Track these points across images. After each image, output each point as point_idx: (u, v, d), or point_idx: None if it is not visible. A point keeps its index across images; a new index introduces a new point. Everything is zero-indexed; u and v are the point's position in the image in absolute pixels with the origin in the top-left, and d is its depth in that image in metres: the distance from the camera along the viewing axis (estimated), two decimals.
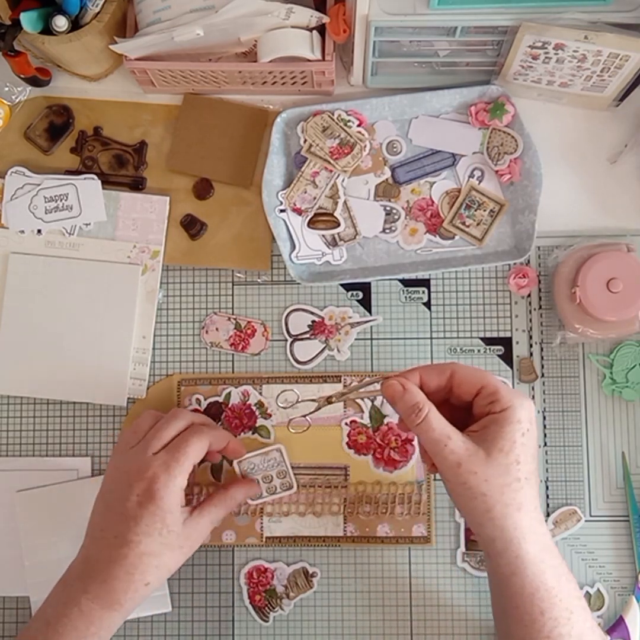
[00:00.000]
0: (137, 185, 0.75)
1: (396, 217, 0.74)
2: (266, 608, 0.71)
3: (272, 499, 0.72)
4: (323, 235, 0.74)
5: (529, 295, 0.73)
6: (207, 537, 0.66)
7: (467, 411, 0.60)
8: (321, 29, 0.68)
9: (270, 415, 0.73)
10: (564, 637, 0.57)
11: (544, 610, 0.57)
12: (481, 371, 0.60)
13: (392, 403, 0.59)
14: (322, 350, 0.73)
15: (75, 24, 0.67)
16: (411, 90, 0.72)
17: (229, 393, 0.73)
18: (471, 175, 0.74)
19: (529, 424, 0.57)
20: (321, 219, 0.73)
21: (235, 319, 0.74)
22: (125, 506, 0.60)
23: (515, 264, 0.73)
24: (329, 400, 0.66)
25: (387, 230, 0.74)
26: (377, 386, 0.61)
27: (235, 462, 0.71)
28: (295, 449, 0.72)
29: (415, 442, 0.72)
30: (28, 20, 0.65)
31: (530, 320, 0.73)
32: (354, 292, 0.74)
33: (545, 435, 0.72)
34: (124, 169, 0.75)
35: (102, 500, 0.63)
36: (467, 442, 0.56)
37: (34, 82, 0.73)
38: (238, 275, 0.74)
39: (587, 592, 0.71)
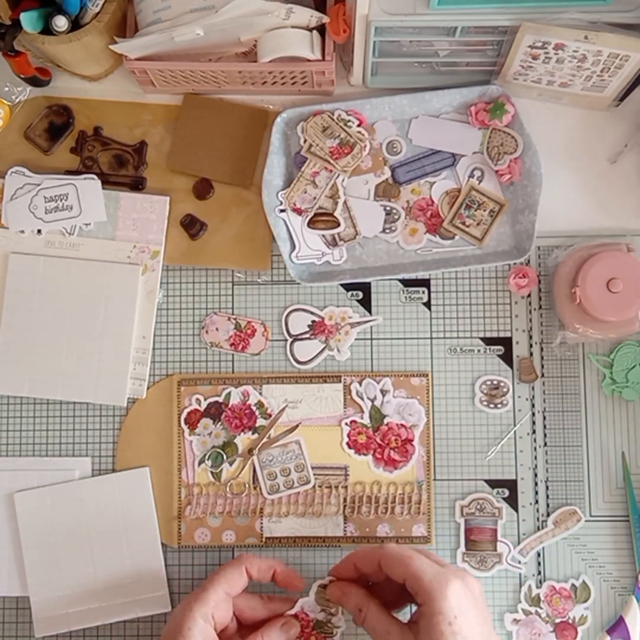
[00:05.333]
0: (137, 185, 0.75)
1: (396, 217, 0.74)
2: None
3: (289, 494, 0.72)
4: (323, 235, 0.74)
5: (529, 295, 0.73)
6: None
7: None
8: (321, 29, 0.68)
9: (270, 415, 0.73)
10: None
11: None
12: (405, 559, 0.60)
13: (339, 605, 0.65)
14: (322, 350, 0.73)
15: (75, 24, 0.67)
16: (411, 90, 0.72)
17: (229, 393, 0.73)
18: (471, 175, 0.74)
19: (455, 610, 0.57)
20: (321, 219, 0.73)
21: (235, 319, 0.74)
22: None
23: (515, 264, 0.73)
24: (251, 452, 0.72)
25: (387, 230, 0.74)
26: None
27: (255, 456, 0.72)
28: None
29: (415, 443, 0.72)
30: (28, 20, 0.65)
31: (530, 320, 0.73)
32: (354, 292, 0.74)
33: (545, 435, 0.72)
34: (124, 169, 0.75)
35: None
36: (405, 634, 0.59)
37: (34, 82, 0.73)
38: (238, 275, 0.74)
39: (573, 584, 0.71)
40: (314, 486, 0.72)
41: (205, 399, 0.73)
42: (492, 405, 0.73)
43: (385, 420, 0.72)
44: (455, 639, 0.57)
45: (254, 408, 0.73)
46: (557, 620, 0.70)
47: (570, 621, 0.70)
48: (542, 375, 0.73)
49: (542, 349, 0.73)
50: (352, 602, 0.63)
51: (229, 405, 0.73)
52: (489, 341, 0.73)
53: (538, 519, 0.72)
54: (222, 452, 0.72)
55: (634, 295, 0.67)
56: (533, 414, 0.73)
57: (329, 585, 0.65)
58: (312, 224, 0.73)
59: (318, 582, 0.66)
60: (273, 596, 0.67)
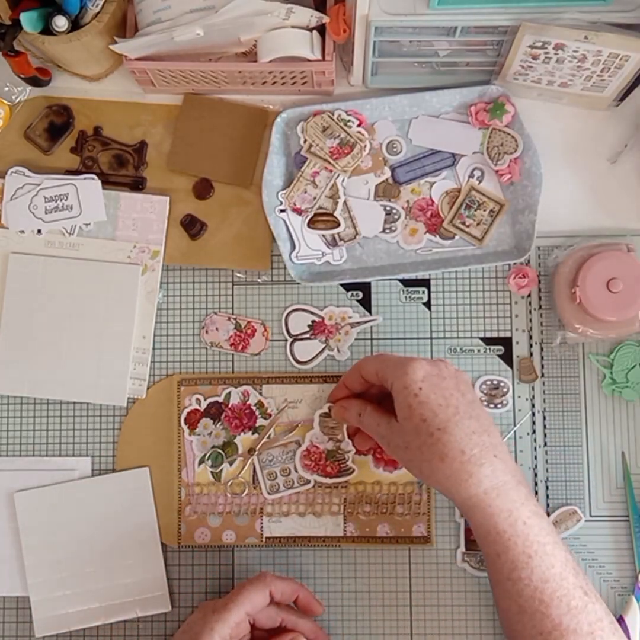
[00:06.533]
0: (137, 185, 0.75)
1: (396, 217, 0.74)
2: None
3: (289, 494, 0.72)
4: (323, 235, 0.74)
5: (529, 295, 0.73)
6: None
7: None
8: (321, 29, 0.68)
9: (270, 415, 0.73)
10: (523, 580, 0.59)
11: (499, 552, 0.59)
12: (374, 359, 0.66)
13: (343, 421, 0.70)
14: (322, 350, 0.73)
15: (75, 24, 0.67)
16: (411, 90, 0.72)
17: (229, 393, 0.73)
18: (471, 175, 0.74)
19: (419, 383, 0.61)
20: (321, 219, 0.73)
21: (235, 319, 0.74)
22: None
23: (515, 264, 0.73)
24: (251, 452, 0.72)
25: (387, 230, 0.74)
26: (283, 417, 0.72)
27: (255, 456, 0.72)
28: None
29: None
30: (28, 20, 0.65)
31: (530, 320, 0.73)
32: (354, 292, 0.74)
33: (545, 435, 0.72)
34: (124, 169, 0.75)
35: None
36: (391, 423, 0.63)
37: (34, 82, 0.73)
38: (238, 275, 0.74)
39: None
40: (314, 486, 0.72)
41: (205, 399, 0.73)
42: (492, 405, 0.73)
43: None
44: (423, 409, 0.60)
45: (254, 408, 0.73)
46: None
47: None
48: (542, 375, 0.73)
49: (542, 349, 0.73)
50: (353, 411, 0.67)
51: (229, 405, 0.73)
52: (489, 341, 0.73)
53: None
54: (222, 452, 0.72)
55: (634, 295, 0.67)
56: (533, 414, 0.73)
57: (331, 407, 0.70)
58: (312, 224, 0.73)
59: (319, 412, 0.71)
60: (289, 607, 0.67)
